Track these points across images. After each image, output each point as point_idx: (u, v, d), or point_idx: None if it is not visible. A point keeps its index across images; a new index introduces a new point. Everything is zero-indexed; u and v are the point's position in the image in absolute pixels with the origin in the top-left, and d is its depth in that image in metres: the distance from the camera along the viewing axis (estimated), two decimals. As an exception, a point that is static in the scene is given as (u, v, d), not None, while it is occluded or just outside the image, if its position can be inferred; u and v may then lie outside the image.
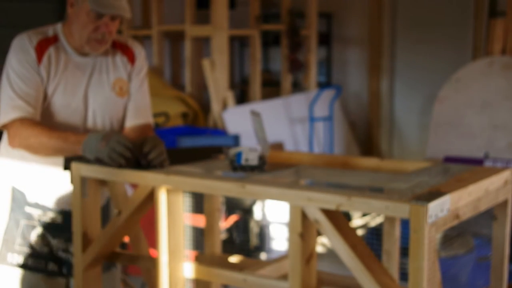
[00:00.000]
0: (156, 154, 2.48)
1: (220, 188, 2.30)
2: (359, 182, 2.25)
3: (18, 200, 2.79)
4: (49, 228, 2.79)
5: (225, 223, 5.08)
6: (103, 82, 2.75)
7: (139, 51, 2.87)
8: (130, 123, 2.85)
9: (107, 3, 2.55)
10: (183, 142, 5.62)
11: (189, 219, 4.32)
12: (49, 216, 2.79)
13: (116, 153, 2.43)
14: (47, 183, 2.77)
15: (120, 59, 2.81)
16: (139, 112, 2.87)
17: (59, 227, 2.79)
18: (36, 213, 2.78)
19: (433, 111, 6.40)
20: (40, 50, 2.63)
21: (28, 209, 2.78)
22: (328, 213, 2.10)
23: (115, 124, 2.82)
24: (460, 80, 6.29)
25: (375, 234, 5.07)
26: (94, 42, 2.64)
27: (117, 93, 2.78)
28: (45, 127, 2.60)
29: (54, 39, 2.69)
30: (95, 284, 2.77)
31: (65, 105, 2.68)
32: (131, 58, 2.84)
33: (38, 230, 2.79)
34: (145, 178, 2.46)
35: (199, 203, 4.29)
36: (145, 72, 2.90)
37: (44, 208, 2.79)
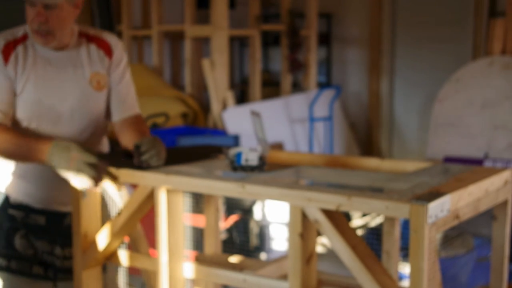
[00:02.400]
0: (149, 156, 2.46)
1: (220, 188, 2.30)
2: (359, 182, 2.25)
3: (0, 202, 2.74)
4: (33, 230, 2.73)
5: (225, 223, 5.08)
6: (79, 77, 2.67)
7: (115, 43, 2.79)
8: (119, 117, 2.79)
9: None
10: (183, 142, 5.62)
11: (189, 219, 4.33)
12: (32, 217, 2.73)
13: (81, 176, 2.40)
14: (29, 184, 2.71)
15: (96, 52, 2.73)
16: (125, 104, 2.80)
17: (42, 228, 2.73)
18: (19, 215, 2.72)
19: (433, 111, 6.41)
20: (7, 51, 2.57)
21: (11, 211, 2.72)
22: (328, 213, 2.10)
23: (94, 119, 2.74)
24: (460, 80, 6.29)
25: (374, 234, 5.07)
26: (35, 34, 2.56)
27: (95, 87, 2.70)
28: (13, 133, 2.53)
29: (23, 38, 2.62)
30: (95, 284, 2.77)
31: (36, 101, 2.60)
32: (108, 51, 2.76)
33: (22, 232, 2.72)
34: (145, 178, 2.46)
35: (199, 203, 4.29)
36: (125, 63, 2.81)
37: (26, 209, 2.72)
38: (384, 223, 2.52)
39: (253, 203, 5.31)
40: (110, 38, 2.78)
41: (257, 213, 5.35)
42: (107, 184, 2.58)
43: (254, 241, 5.31)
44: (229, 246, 5.04)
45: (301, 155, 2.86)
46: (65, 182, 2.55)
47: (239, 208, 5.29)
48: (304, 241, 2.16)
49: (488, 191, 2.23)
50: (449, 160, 5.92)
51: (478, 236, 4.76)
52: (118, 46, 2.79)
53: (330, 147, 7.26)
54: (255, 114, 2.51)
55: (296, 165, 2.59)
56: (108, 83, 2.75)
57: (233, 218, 5.20)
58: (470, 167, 2.43)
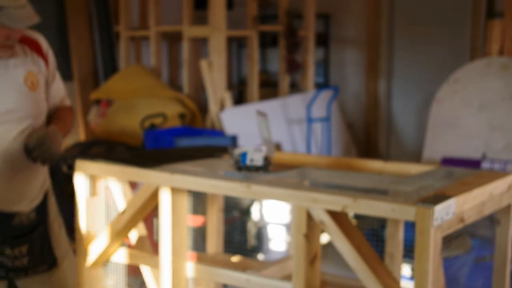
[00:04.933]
0: (39, 152, 2.49)
1: (226, 188, 2.30)
2: (363, 184, 2.26)
3: None
4: None
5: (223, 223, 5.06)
6: (13, 79, 2.63)
7: (46, 45, 2.79)
8: (51, 111, 2.85)
9: (20, 17, 2.47)
10: (181, 143, 5.61)
11: (190, 220, 4.32)
12: None
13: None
14: None
15: (29, 53, 2.71)
16: (58, 99, 2.88)
17: None
18: None
19: (431, 111, 6.41)
20: None
21: None
22: (333, 214, 2.11)
23: (34, 119, 2.69)
24: (458, 81, 6.30)
25: (375, 236, 5.07)
26: (5, 48, 2.57)
27: (30, 87, 2.66)
28: None
29: None
30: (97, 283, 2.77)
31: None
32: (41, 53, 2.75)
33: None
34: (149, 177, 2.46)
35: (199, 204, 4.29)
36: (54, 61, 2.84)
37: None
38: (387, 226, 2.52)
39: (251, 203, 5.30)
40: (41, 39, 2.77)
41: (255, 213, 5.34)
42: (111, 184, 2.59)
43: (251, 241, 5.31)
44: (226, 246, 5.03)
45: (305, 156, 2.87)
46: (11, 182, 2.58)
47: (237, 209, 5.28)
48: (309, 242, 2.17)
49: (492, 195, 2.24)
50: (447, 160, 5.92)
51: (475, 237, 4.76)
52: (48, 47, 2.79)
53: (328, 148, 7.26)
54: (261, 114, 2.51)
55: (300, 166, 2.60)
56: (41, 82, 2.73)
57: (231, 218, 5.19)
58: (473, 170, 2.45)
